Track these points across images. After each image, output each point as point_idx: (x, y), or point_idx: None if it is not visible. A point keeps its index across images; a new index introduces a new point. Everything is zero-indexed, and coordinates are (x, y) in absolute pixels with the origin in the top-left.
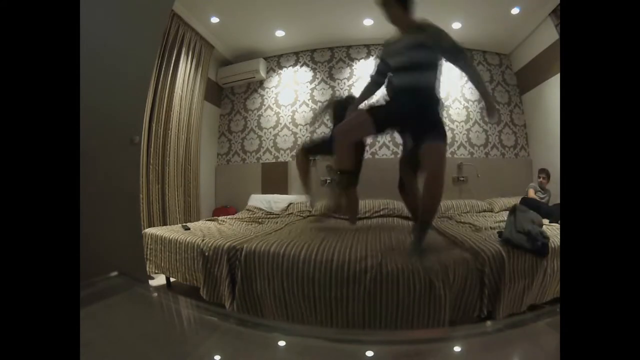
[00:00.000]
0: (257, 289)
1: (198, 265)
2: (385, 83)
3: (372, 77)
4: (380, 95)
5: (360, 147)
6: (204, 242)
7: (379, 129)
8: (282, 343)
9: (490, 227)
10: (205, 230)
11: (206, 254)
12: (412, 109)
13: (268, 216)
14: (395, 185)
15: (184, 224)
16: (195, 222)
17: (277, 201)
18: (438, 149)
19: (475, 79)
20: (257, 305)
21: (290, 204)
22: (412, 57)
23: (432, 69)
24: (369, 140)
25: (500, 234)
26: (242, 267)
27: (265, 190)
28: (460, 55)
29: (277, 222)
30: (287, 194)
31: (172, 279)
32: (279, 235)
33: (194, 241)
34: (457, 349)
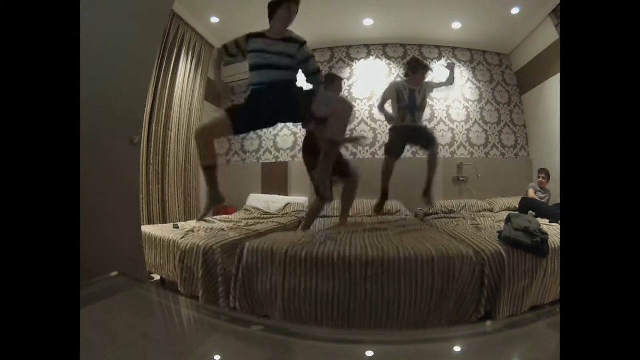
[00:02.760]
0: (257, 287)
1: (176, 262)
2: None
3: (225, 45)
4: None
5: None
6: (183, 240)
7: (238, 130)
8: (281, 343)
9: (490, 227)
10: (191, 229)
11: (184, 252)
12: (273, 102)
13: (264, 216)
14: (395, 184)
15: (175, 223)
16: (189, 222)
17: (274, 201)
18: (330, 94)
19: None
20: (257, 305)
21: (288, 204)
22: (278, 61)
23: (294, 71)
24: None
25: (499, 233)
26: (243, 264)
27: (265, 190)
28: (316, 76)
29: (271, 222)
30: (286, 193)
31: (157, 276)
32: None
33: (174, 239)
34: (457, 349)
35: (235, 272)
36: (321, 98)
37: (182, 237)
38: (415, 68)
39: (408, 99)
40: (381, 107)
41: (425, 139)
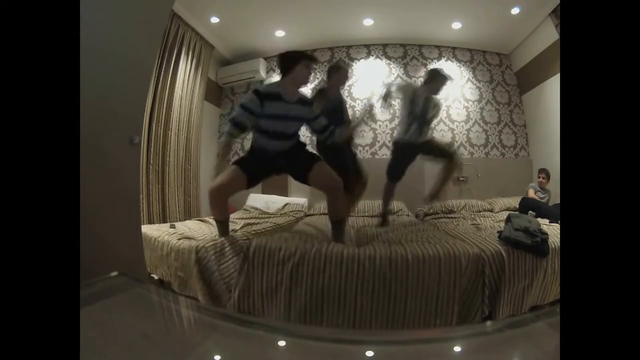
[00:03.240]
0: (260, 286)
1: (170, 261)
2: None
3: (236, 122)
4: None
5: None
6: (177, 239)
7: (251, 182)
8: (282, 343)
9: (490, 227)
10: (187, 229)
11: (177, 251)
12: (283, 164)
13: (262, 216)
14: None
15: (172, 223)
16: (185, 222)
17: (274, 202)
18: (324, 169)
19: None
20: (260, 304)
21: (287, 204)
22: (291, 128)
23: (298, 134)
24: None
25: (499, 233)
26: (248, 263)
27: (265, 190)
28: (330, 134)
29: (267, 222)
30: (287, 194)
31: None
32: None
33: (169, 240)
34: (457, 349)
35: (240, 270)
36: (318, 172)
37: (177, 238)
38: (437, 76)
39: (422, 106)
40: (386, 98)
41: (442, 151)
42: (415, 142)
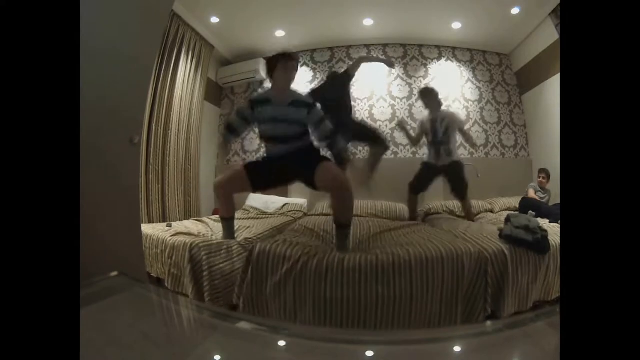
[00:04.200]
0: (264, 288)
1: (164, 259)
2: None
3: (227, 125)
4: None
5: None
6: (171, 238)
7: (257, 187)
8: (282, 343)
9: (491, 224)
10: (184, 228)
11: (172, 249)
12: (291, 170)
13: (260, 216)
14: (394, 185)
15: (168, 222)
16: (183, 222)
17: (274, 202)
18: (330, 168)
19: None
20: (263, 305)
21: (286, 204)
22: (292, 131)
23: (307, 135)
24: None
25: (500, 231)
26: (252, 266)
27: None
28: (330, 140)
29: (264, 222)
30: (286, 194)
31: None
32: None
33: (164, 237)
34: (457, 349)
35: (244, 273)
36: (322, 173)
37: (172, 235)
38: (421, 96)
39: (432, 131)
40: (415, 142)
41: (455, 188)
42: (435, 164)
